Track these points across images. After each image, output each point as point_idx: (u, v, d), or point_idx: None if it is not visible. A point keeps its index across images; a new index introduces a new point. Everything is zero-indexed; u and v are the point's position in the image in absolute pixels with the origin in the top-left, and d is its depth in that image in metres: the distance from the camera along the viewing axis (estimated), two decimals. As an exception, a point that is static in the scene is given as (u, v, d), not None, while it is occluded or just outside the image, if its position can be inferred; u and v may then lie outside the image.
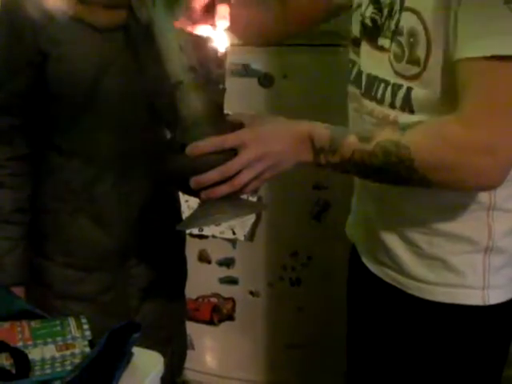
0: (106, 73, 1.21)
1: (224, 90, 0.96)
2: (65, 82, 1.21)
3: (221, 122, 0.97)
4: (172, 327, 1.47)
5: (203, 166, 0.92)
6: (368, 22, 1.05)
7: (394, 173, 0.91)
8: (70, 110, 1.25)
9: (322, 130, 0.94)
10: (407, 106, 0.98)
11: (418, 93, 0.96)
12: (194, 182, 0.92)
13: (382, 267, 1.10)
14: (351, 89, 1.12)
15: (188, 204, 1.70)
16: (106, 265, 1.33)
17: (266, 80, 1.98)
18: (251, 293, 2.18)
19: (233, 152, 0.92)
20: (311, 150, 0.93)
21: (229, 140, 0.92)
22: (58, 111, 1.26)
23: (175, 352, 1.49)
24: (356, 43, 1.10)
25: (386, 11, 1.01)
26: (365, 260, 1.16)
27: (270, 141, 0.93)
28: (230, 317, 2.23)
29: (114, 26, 1.20)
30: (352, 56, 1.12)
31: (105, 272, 1.34)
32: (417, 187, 0.95)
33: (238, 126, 0.96)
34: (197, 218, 1.01)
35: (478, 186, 0.93)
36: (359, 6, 1.09)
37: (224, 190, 0.92)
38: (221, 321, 2.23)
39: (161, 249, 1.40)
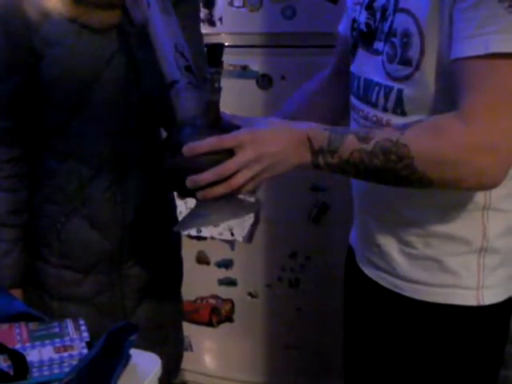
0: (101, 73, 1.20)
1: (220, 89, 0.95)
2: (59, 83, 1.20)
3: (217, 122, 0.96)
4: (168, 328, 1.46)
5: (199, 166, 0.91)
6: (363, 27, 1.05)
7: (394, 172, 0.90)
8: (64, 111, 1.24)
9: (320, 131, 0.93)
10: (399, 108, 0.98)
11: (410, 94, 0.96)
12: (190, 181, 0.92)
13: (377, 271, 1.10)
14: (351, 97, 1.13)
15: (186, 205, 1.70)
16: (102, 266, 1.32)
17: (264, 81, 1.99)
18: (250, 294, 2.19)
19: (229, 152, 0.91)
20: (309, 151, 0.93)
21: (226, 140, 0.92)
22: (52, 112, 1.25)
23: (171, 353, 1.48)
24: (352, 53, 1.10)
25: (378, 15, 1.02)
26: (360, 264, 1.16)
27: (268, 142, 0.92)
28: (229, 318, 2.23)
29: (107, 26, 1.19)
30: (351, 68, 1.12)
31: (101, 273, 1.33)
32: (416, 188, 0.94)
33: (234, 126, 0.95)
34: (193, 218, 1.00)
35: (478, 184, 0.92)
36: (353, 15, 1.09)
37: (220, 190, 0.91)
38: (219, 322, 2.23)
39: (156, 250, 1.39)
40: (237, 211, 1.01)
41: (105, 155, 1.26)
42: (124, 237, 1.32)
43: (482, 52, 0.85)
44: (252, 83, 2.00)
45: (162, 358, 1.41)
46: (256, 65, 1.98)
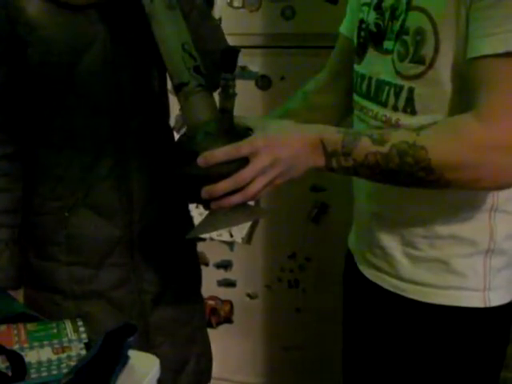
0: (84, 53, 1.17)
1: (234, 94, 0.92)
2: (44, 68, 1.18)
3: (230, 129, 0.93)
4: (194, 327, 1.42)
5: (216, 176, 0.89)
6: (373, 27, 1.05)
7: (410, 174, 0.89)
8: (52, 98, 1.21)
9: (333, 134, 0.92)
10: (409, 107, 0.97)
11: (422, 93, 0.96)
12: (207, 192, 0.90)
13: (379, 273, 1.09)
14: (354, 96, 1.12)
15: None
16: (115, 258, 1.29)
17: (263, 82, 1.99)
18: (249, 295, 2.19)
19: (244, 160, 0.89)
20: (323, 155, 0.92)
21: (242, 148, 0.90)
22: (41, 102, 1.23)
23: (200, 354, 1.45)
24: (358, 54, 1.10)
25: (387, 14, 1.01)
26: (361, 267, 1.15)
27: (282, 147, 0.91)
28: (228, 319, 2.23)
29: (86, 2, 1.17)
30: (355, 67, 1.12)
31: (114, 266, 1.29)
32: (432, 189, 0.93)
33: (246, 131, 0.93)
34: (206, 225, 0.97)
35: (496, 184, 0.91)
36: (360, 15, 1.09)
37: (237, 199, 0.90)
38: (219, 323, 2.23)
39: (170, 239, 1.34)
40: (248, 216, 0.99)
41: (101, 139, 1.23)
42: (133, 222, 1.28)
43: (500, 50, 0.84)
44: (251, 84, 2.00)
45: (191, 359, 1.42)
46: (255, 65, 1.98)
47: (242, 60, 1.96)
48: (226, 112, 0.93)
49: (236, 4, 1.94)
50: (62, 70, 1.18)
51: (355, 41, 1.11)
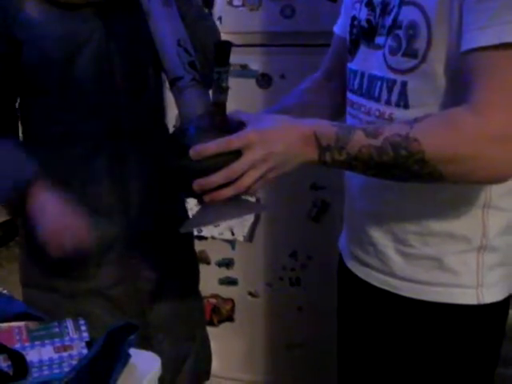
0: (79, 51, 1.18)
1: (227, 88, 0.92)
2: (40, 67, 1.18)
3: (223, 123, 0.93)
4: (194, 325, 1.43)
5: (208, 169, 0.89)
6: (364, 24, 1.05)
7: (404, 167, 0.89)
8: (48, 96, 1.21)
9: (327, 128, 0.92)
10: (402, 101, 0.98)
11: (414, 86, 0.96)
12: (198, 185, 0.90)
13: (371, 271, 1.09)
14: (347, 93, 1.12)
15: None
16: (112, 256, 1.29)
17: (263, 80, 1.99)
18: (250, 293, 2.19)
19: (237, 153, 0.89)
20: (316, 149, 0.91)
21: (234, 141, 0.90)
22: (37, 100, 1.23)
23: (200, 352, 1.45)
24: (350, 51, 1.10)
25: (378, 10, 1.02)
26: (353, 267, 1.15)
27: (275, 140, 0.91)
28: (230, 317, 2.23)
29: (86, 0, 1.17)
30: (348, 65, 1.12)
31: (112, 264, 1.29)
32: (426, 182, 0.93)
33: (239, 125, 0.93)
34: (199, 219, 0.98)
35: (490, 177, 0.90)
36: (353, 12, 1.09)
37: (229, 192, 0.90)
38: (220, 321, 2.23)
39: (167, 237, 1.34)
40: (241, 211, 0.99)
41: (98, 138, 1.23)
42: (130, 220, 1.28)
43: (495, 42, 0.84)
44: (252, 82, 2.00)
45: (190, 356, 1.42)
46: (255, 64, 1.98)
47: (243, 58, 1.97)
48: (219, 106, 0.93)
49: (236, 3, 1.95)
50: (57, 68, 1.19)
51: (348, 38, 1.11)
